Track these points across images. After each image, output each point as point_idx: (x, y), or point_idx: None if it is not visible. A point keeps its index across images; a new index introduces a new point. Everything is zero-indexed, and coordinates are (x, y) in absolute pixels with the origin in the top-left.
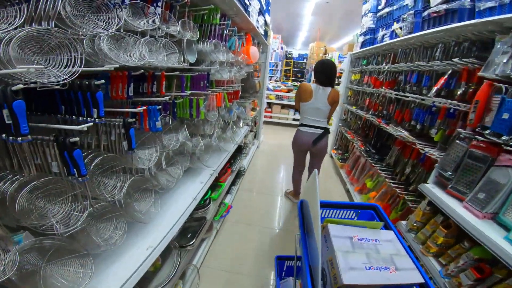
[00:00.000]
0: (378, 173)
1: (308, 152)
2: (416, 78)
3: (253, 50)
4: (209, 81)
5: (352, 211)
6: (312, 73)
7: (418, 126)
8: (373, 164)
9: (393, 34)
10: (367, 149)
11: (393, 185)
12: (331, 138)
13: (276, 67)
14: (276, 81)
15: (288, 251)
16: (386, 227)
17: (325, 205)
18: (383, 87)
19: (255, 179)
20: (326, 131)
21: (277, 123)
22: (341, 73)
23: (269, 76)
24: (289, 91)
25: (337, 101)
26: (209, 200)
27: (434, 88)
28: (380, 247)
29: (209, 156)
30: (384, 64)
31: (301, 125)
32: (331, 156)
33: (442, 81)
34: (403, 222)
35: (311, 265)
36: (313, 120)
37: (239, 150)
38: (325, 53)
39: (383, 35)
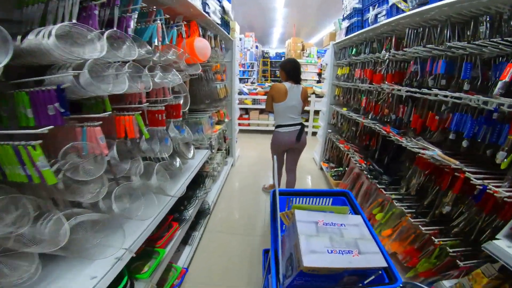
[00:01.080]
0: (392, 203)
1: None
2: (445, 66)
3: (200, 44)
4: (65, 102)
5: (324, 198)
6: (279, 72)
7: (464, 143)
8: (383, 190)
9: (393, 10)
10: (371, 167)
11: (422, 226)
12: (319, 146)
13: (252, 68)
14: (252, 83)
15: None
16: (355, 212)
17: (296, 193)
18: (386, 82)
19: (228, 215)
20: (303, 125)
21: (256, 131)
22: (321, 69)
23: (246, 78)
24: (267, 93)
25: (307, 97)
26: None
27: (500, 82)
28: (345, 231)
29: (110, 230)
30: (383, 51)
31: (279, 126)
32: (321, 169)
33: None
34: (446, 284)
35: (275, 248)
36: (291, 118)
37: (201, 181)
38: (302, 49)
39: (375, 15)
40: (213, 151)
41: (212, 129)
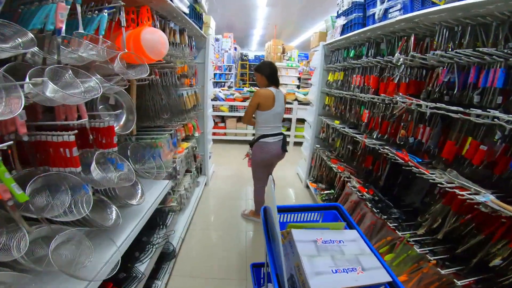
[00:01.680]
0: (406, 244)
1: None
2: (504, 78)
3: (151, 37)
4: None
5: (316, 213)
6: (256, 77)
7: None
8: (395, 230)
9: (415, 4)
10: (375, 197)
11: (457, 278)
12: (303, 161)
13: (230, 71)
14: (229, 87)
15: None
16: (350, 226)
17: (287, 209)
18: (400, 94)
19: (200, 253)
20: (284, 134)
21: (234, 141)
22: (302, 73)
23: (222, 82)
24: (245, 99)
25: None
26: None
27: None
28: (345, 248)
29: None
30: (397, 54)
31: (264, 136)
32: (307, 187)
33: None
34: None
35: (278, 273)
36: (277, 127)
37: (161, 221)
38: (283, 52)
39: (385, 9)
40: (178, 177)
41: (176, 150)
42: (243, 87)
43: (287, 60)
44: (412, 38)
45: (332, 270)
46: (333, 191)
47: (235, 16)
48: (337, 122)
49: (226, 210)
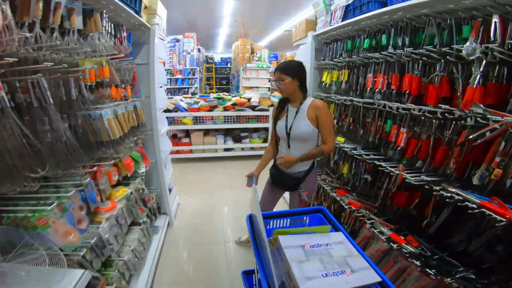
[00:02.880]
0: None
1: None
2: None
3: None
4: None
5: (303, 217)
6: (284, 81)
7: None
8: None
9: None
10: (427, 252)
11: None
12: None
13: (194, 75)
14: (192, 94)
15: None
16: (335, 229)
17: (272, 216)
18: (480, 105)
19: None
20: None
21: (202, 159)
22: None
23: (186, 88)
24: (212, 108)
25: None
26: None
27: None
28: (333, 251)
29: None
30: (472, 43)
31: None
32: None
33: None
34: None
35: (269, 280)
36: None
37: None
38: (252, 52)
39: None
40: (111, 247)
41: (102, 207)
42: (209, 93)
43: (257, 60)
44: (497, 19)
45: (322, 274)
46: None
47: (197, 12)
48: (341, 139)
49: (200, 254)
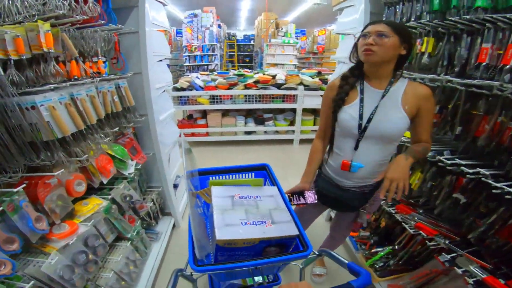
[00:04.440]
0: None
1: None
2: None
3: None
4: None
5: (248, 174)
6: (405, 46)
7: None
8: None
9: None
10: None
11: None
12: None
13: (214, 51)
14: (210, 71)
15: None
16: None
17: (217, 171)
18: None
19: None
20: None
21: (220, 143)
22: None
23: (205, 65)
24: (232, 85)
25: None
26: None
27: None
28: (260, 203)
29: None
30: None
31: None
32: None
33: None
34: None
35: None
36: None
37: None
38: (277, 27)
39: None
40: None
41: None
42: (230, 70)
43: (282, 36)
44: None
45: (241, 223)
46: (389, 249)
47: None
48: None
49: None
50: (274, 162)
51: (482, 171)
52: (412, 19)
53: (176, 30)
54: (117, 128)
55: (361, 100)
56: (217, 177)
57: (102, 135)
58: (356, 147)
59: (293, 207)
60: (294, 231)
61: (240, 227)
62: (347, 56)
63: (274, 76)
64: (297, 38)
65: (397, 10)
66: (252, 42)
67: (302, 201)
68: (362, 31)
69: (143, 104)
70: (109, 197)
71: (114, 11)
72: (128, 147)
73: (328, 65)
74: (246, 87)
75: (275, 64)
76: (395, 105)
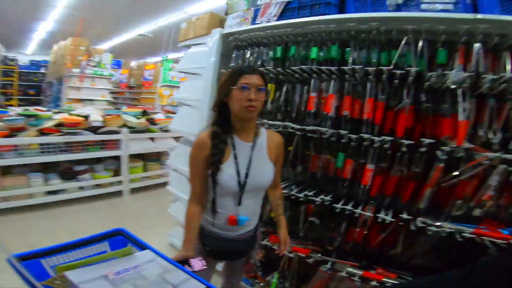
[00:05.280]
0: None
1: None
2: None
3: None
4: None
5: (102, 244)
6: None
7: None
8: None
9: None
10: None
11: None
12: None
13: None
14: None
15: None
16: (142, 248)
17: (53, 250)
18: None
19: None
20: None
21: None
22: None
23: None
24: (16, 131)
25: None
26: None
27: None
28: (145, 272)
29: None
30: (459, 69)
31: None
32: None
33: None
34: None
35: None
36: None
37: None
38: (89, 56)
39: None
40: None
41: None
42: (5, 107)
43: (93, 66)
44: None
45: None
46: (277, 273)
47: None
48: None
49: None
50: (103, 221)
51: (326, 198)
52: (258, 63)
53: None
54: None
55: (235, 156)
56: (58, 259)
57: None
58: (239, 203)
59: None
60: (201, 286)
61: None
62: (194, 98)
63: (86, 117)
64: (112, 70)
65: (241, 54)
66: (43, 70)
67: (189, 269)
68: (236, 80)
69: None
70: None
71: None
72: None
73: (146, 101)
74: (42, 132)
75: (81, 100)
76: (264, 157)
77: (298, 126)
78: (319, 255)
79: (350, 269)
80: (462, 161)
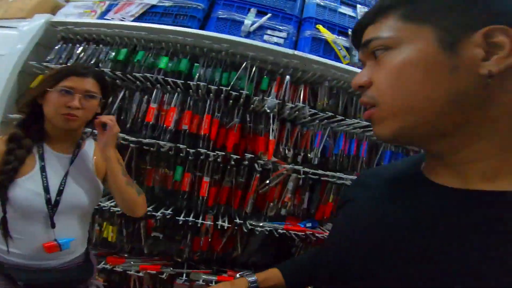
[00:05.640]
0: None
1: None
2: None
3: None
4: None
5: None
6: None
7: None
8: None
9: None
10: None
11: None
12: None
13: None
14: None
15: None
16: None
17: None
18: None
19: None
20: None
21: None
22: None
23: None
24: None
25: None
26: None
27: None
28: None
29: None
30: (274, 97)
31: None
32: None
33: None
34: None
35: None
36: None
37: None
38: None
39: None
40: None
41: None
42: None
43: None
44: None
45: None
46: None
47: None
48: None
49: None
50: None
51: (166, 212)
52: (92, 62)
53: None
54: None
55: (43, 169)
56: None
57: None
58: (53, 225)
59: None
60: None
61: None
62: None
63: None
64: None
65: (75, 49)
66: None
67: None
68: (57, 81)
69: None
70: None
71: None
72: None
73: None
74: None
75: None
76: (88, 173)
77: (133, 138)
78: (171, 268)
79: (205, 277)
80: (271, 171)
